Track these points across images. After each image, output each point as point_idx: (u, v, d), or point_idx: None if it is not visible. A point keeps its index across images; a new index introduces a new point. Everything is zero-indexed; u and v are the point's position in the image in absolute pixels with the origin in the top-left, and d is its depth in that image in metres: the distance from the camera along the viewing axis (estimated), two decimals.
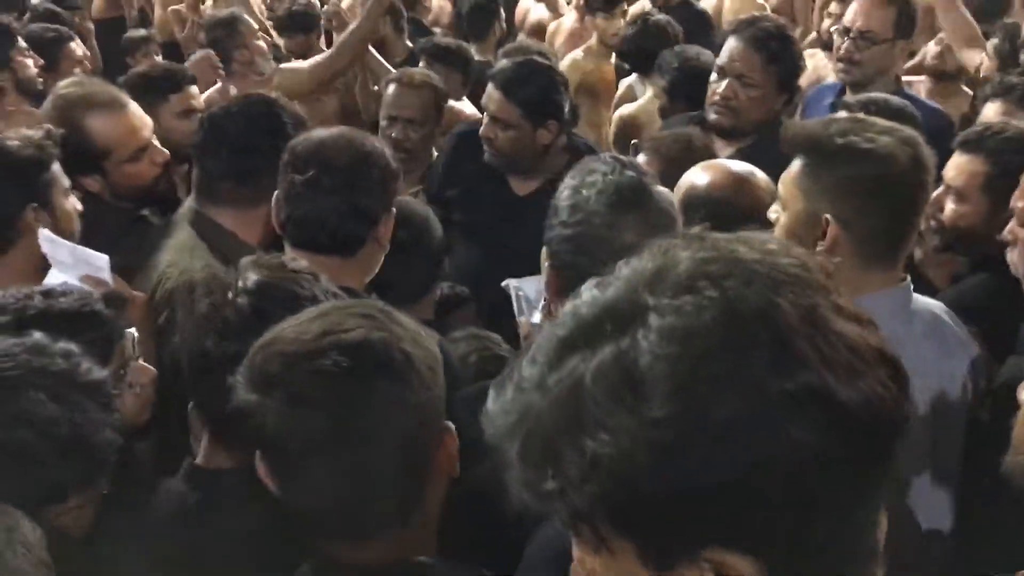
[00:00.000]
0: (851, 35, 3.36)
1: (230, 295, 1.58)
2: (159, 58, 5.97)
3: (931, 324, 1.90)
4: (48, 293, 1.71)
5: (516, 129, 3.00)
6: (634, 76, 4.93)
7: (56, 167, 2.33)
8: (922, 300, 1.97)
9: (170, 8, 7.51)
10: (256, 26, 3.96)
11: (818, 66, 5.14)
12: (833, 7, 5.32)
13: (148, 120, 2.70)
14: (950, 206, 2.49)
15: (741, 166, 2.25)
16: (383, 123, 3.57)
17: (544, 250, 1.82)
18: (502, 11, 5.81)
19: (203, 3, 6.95)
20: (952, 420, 1.89)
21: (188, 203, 2.40)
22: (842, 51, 3.39)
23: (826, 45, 4.56)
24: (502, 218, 2.98)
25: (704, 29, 5.11)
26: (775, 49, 2.98)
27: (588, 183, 1.76)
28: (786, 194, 1.88)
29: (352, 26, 4.15)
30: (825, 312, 0.74)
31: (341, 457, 1.26)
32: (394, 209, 2.12)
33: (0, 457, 1.33)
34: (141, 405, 1.87)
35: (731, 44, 3.03)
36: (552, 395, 0.73)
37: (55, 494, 1.39)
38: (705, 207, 2.11)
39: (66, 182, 2.36)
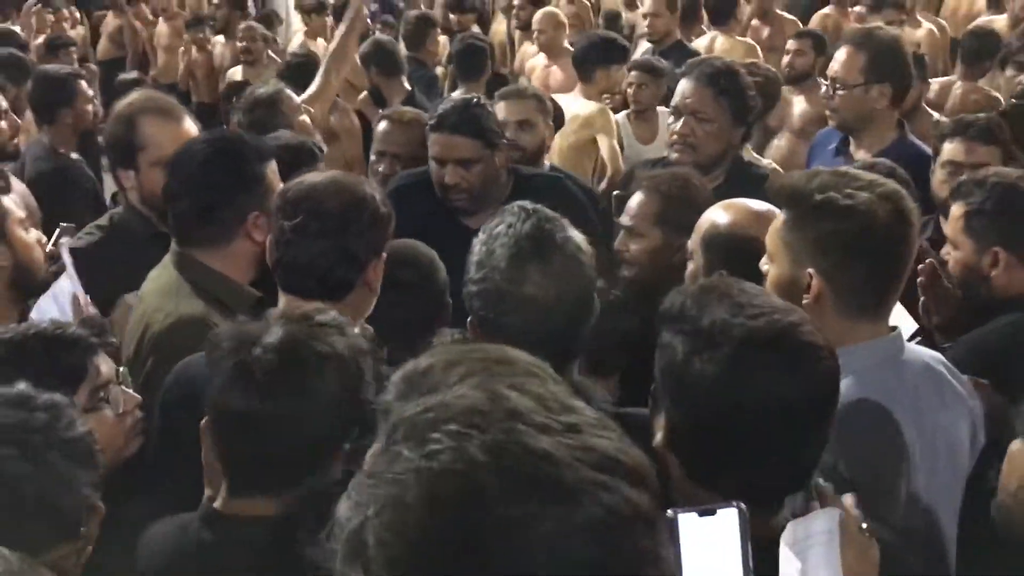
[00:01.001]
0: (828, 81, 3.55)
1: (256, 351, 1.58)
2: None
3: (923, 375, 1.88)
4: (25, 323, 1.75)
5: (482, 162, 3.04)
6: (622, 114, 5.02)
7: (7, 200, 2.37)
8: (916, 351, 1.96)
9: (184, 64, 7.59)
10: (297, 100, 3.85)
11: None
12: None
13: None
14: (951, 256, 2.54)
15: (761, 204, 2.26)
16: (373, 158, 3.65)
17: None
18: (494, 52, 5.88)
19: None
20: (949, 471, 1.86)
21: (172, 245, 2.41)
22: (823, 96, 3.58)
23: None
24: (459, 254, 2.92)
25: None
26: (724, 84, 3.13)
27: (494, 235, 1.79)
28: (772, 247, 1.89)
29: (333, 45, 4.32)
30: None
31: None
32: (385, 254, 2.12)
33: None
34: (126, 432, 1.88)
35: (682, 84, 3.19)
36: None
37: (29, 548, 1.37)
38: (727, 245, 2.13)
39: (21, 214, 2.40)
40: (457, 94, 5.58)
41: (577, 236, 1.84)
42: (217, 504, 1.62)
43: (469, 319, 1.86)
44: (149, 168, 2.68)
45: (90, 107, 4.51)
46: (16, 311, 2.36)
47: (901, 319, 2.56)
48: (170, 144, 2.64)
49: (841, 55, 3.51)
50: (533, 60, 6.62)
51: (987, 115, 3.27)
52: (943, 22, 7.51)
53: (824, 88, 3.60)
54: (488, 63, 5.72)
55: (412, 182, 3.15)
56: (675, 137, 3.14)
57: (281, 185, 2.31)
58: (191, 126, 2.79)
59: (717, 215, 2.25)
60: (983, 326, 2.47)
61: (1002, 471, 1.46)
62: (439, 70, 6.97)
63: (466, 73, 5.67)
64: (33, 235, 2.42)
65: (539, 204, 2.79)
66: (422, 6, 8.55)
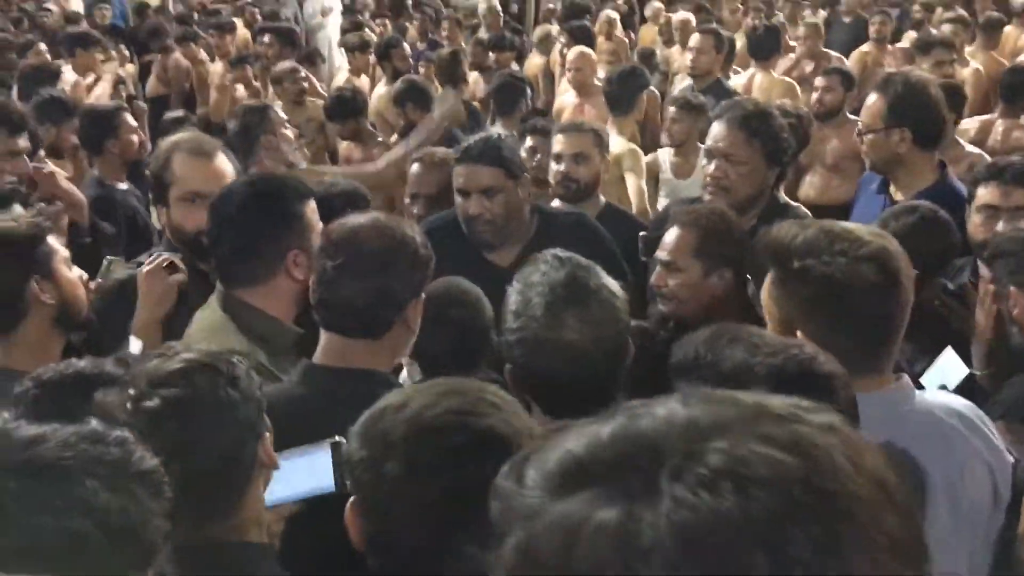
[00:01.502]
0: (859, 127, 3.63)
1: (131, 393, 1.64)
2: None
3: (927, 425, 1.84)
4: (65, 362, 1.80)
5: (504, 192, 3.07)
6: (664, 149, 5.11)
7: (52, 239, 2.44)
8: (927, 401, 1.92)
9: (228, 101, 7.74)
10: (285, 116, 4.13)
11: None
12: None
13: (222, 178, 2.76)
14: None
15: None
16: (407, 201, 3.75)
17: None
18: (529, 90, 5.97)
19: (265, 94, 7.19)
20: (950, 526, 1.80)
21: (217, 285, 2.48)
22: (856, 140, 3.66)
23: None
24: (490, 293, 2.89)
25: None
26: (756, 126, 3.13)
27: (529, 284, 1.85)
28: (764, 303, 1.90)
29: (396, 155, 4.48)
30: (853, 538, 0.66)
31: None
32: (423, 294, 2.17)
33: (56, 545, 1.35)
34: None
35: (715, 127, 3.21)
36: (545, 525, 0.69)
37: None
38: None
39: (65, 252, 2.47)
40: (495, 129, 5.71)
41: (610, 282, 1.90)
42: None
43: (508, 367, 1.91)
44: (176, 203, 2.76)
45: (135, 137, 4.64)
46: (59, 347, 2.40)
47: (952, 365, 2.57)
48: (197, 180, 2.74)
49: (868, 100, 3.59)
50: (564, 97, 6.73)
51: (1022, 157, 3.26)
52: (1003, 60, 7.45)
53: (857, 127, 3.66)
54: (524, 99, 5.82)
55: (439, 224, 3.19)
56: (708, 179, 3.17)
57: (322, 225, 2.38)
58: (223, 163, 2.83)
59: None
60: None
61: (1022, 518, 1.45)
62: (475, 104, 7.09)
63: (504, 108, 5.79)
64: (76, 272, 2.48)
65: (564, 241, 2.89)
66: (462, 43, 8.67)
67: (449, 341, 2.45)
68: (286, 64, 7.38)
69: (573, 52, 6.61)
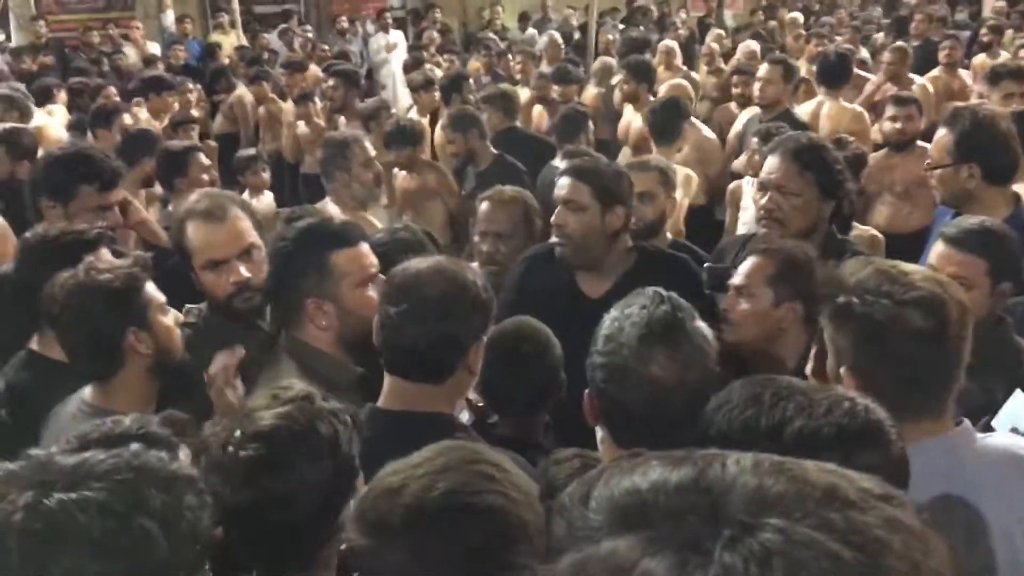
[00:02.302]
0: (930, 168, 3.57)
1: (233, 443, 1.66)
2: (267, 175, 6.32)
3: (984, 473, 1.79)
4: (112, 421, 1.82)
5: (586, 211, 3.09)
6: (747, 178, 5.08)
7: (149, 287, 2.47)
8: (988, 447, 1.86)
9: (290, 137, 7.87)
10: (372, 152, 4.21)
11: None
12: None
13: (240, 239, 2.73)
14: None
15: None
16: (476, 239, 3.81)
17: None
18: (591, 123, 6.00)
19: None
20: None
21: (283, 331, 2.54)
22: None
23: None
24: (577, 323, 2.96)
25: None
26: (808, 159, 3.14)
27: (625, 315, 1.87)
28: (825, 338, 1.90)
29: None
30: None
31: None
32: (485, 337, 2.19)
33: (121, 546, 1.36)
34: None
35: (769, 160, 3.22)
36: (600, 556, 0.69)
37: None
38: None
39: (162, 298, 2.50)
40: (557, 162, 5.73)
41: (704, 328, 1.92)
42: None
43: (587, 390, 1.92)
44: (200, 271, 2.73)
45: (205, 176, 4.79)
46: (155, 390, 2.45)
47: (1021, 406, 2.49)
48: (213, 248, 2.70)
49: (937, 134, 3.54)
50: (628, 117, 6.73)
51: None
52: None
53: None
54: (586, 131, 5.85)
55: (541, 252, 3.28)
56: (762, 212, 3.18)
57: (370, 269, 2.46)
58: (239, 221, 2.75)
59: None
60: None
61: None
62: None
63: (566, 139, 5.81)
64: (171, 318, 2.53)
65: (661, 280, 2.89)
66: (530, 80, 8.72)
67: (518, 380, 2.49)
68: (374, 101, 7.48)
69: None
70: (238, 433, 1.68)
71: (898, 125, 5.47)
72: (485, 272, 3.70)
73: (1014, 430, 2.41)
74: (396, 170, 5.92)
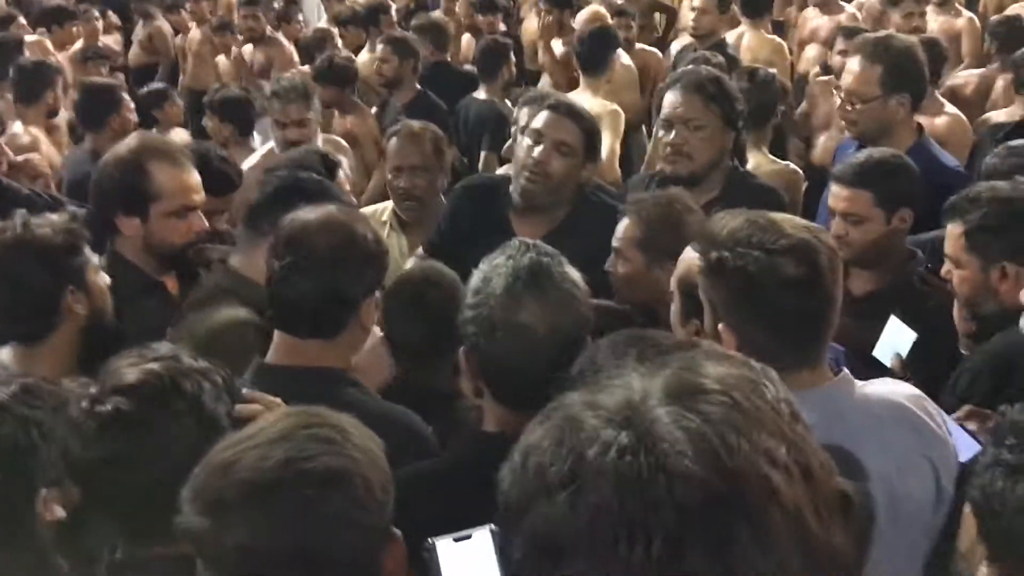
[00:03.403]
0: (842, 96, 3.47)
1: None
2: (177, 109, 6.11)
3: (863, 421, 1.79)
4: None
5: (574, 156, 3.01)
6: None
7: (86, 247, 2.39)
8: (866, 395, 1.85)
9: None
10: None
11: (830, 100, 5.16)
12: (839, 43, 5.37)
13: (200, 187, 2.75)
14: (954, 274, 2.51)
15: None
16: (390, 176, 3.74)
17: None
18: (512, 55, 5.87)
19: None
20: (891, 526, 1.75)
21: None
22: (841, 111, 3.51)
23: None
24: None
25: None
26: (712, 91, 3.14)
27: (494, 266, 1.85)
28: (700, 294, 1.87)
29: None
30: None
31: None
32: (377, 293, 2.13)
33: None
34: None
35: (669, 95, 3.20)
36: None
37: None
38: None
39: (95, 260, 2.43)
40: (479, 94, 5.63)
41: (574, 274, 1.89)
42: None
43: (462, 348, 1.89)
44: (162, 217, 2.67)
45: (132, 115, 4.72)
46: (82, 360, 2.34)
47: (899, 332, 2.53)
48: (184, 192, 2.69)
49: (855, 67, 3.44)
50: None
51: None
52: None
53: (839, 100, 3.54)
54: (507, 64, 5.73)
55: (482, 183, 3.23)
56: (669, 148, 3.15)
57: None
58: (193, 170, 2.76)
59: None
60: (989, 341, 2.44)
61: (959, 535, 1.41)
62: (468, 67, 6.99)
63: (486, 73, 5.74)
64: (103, 279, 2.44)
65: (594, 229, 2.86)
66: (457, 9, 8.51)
67: (423, 328, 2.44)
68: (318, 31, 7.23)
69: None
70: (95, 389, 1.62)
71: (837, 58, 5.30)
72: (403, 208, 3.67)
73: (897, 355, 2.45)
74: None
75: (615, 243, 2.71)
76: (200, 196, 2.75)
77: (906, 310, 2.62)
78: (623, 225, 2.71)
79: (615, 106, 5.08)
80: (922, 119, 3.65)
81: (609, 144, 4.78)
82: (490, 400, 1.88)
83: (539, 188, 3.01)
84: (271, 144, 4.51)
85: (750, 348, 1.72)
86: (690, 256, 2.10)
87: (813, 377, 1.80)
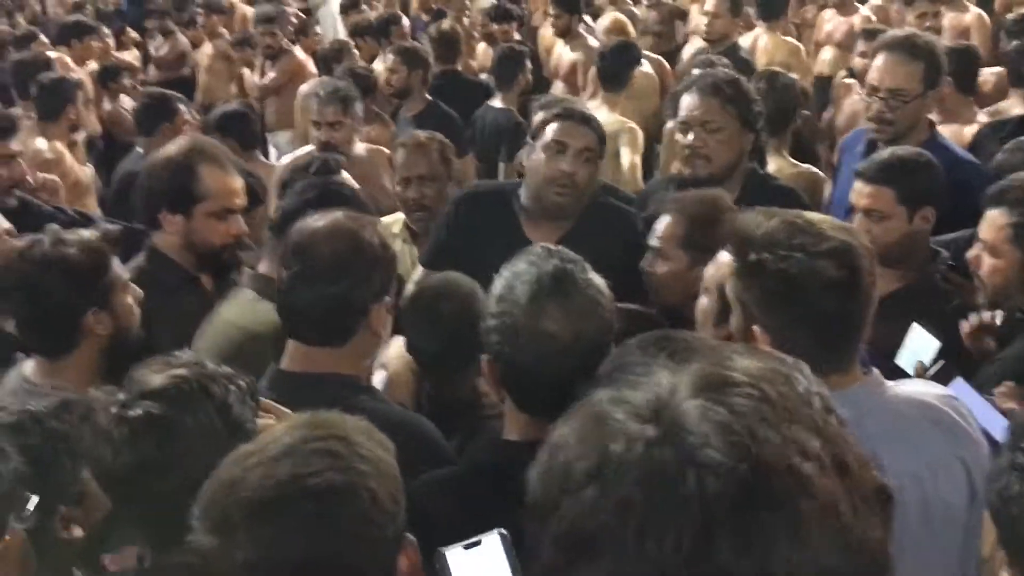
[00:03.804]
0: (880, 95, 3.34)
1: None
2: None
3: (893, 424, 1.75)
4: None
5: (594, 161, 3.01)
6: None
7: (115, 265, 2.38)
8: (897, 396, 1.83)
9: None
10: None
11: (854, 102, 5.09)
12: (860, 45, 5.29)
13: (243, 192, 2.85)
14: (986, 261, 2.47)
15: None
16: (399, 188, 3.76)
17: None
18: (528, 63, 5.85)
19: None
20: (941, 523, 1.74)
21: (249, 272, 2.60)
22: (873, 112, 3.39)
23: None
24: None
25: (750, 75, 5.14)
26: (729, 93, 3.13)
27: (516, 273, 1.81)
28: (729, 296, 1.84)
29: None
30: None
31: None
32: (388, 298, 2.10)
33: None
34: None
35: (686, 98, 3.18)
36: None
37: None
38: None
39: (125, 276, 2.42)
40: (495, 102, 5.62)
41: (598, 280, 1.86)
42: None
43: (484, 356, 1.86)
44: (206, 217, 2.75)
45: (187, 126, 4.71)
46: (102, 370, 2.32)
47: (922, 340, 2.49)
48: (228, 195, 2.79)
49: (893, 64, 3.34)
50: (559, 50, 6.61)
51: None
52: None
53: (869, 97, 3.41)
54: (523, 72, 5.71)
55: (490, 190, 3.20)
56: (687, 151, 3.14)
57: None
58: (238, 175, 2.88)
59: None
60: (1018, 342, 2.41)
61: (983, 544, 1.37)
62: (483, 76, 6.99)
63: (502, 81, 5.73)
64: (132, 296, 2.43)
65: (607, 230, 2.85)
66: (465, 20, 8.51)
67: (440, 340, 2.42)
68: (335, 43, 7.27)
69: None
70: (122, 396, 1.62)
71: (860, 61, 5.20)
72: (414, 219, 3.65)
73: (920, 363, 2.41)
74: None
75: (655, 242, 2.67)
76: (242, 200, 2.83)
77: (929, 311, 2.58)
78: (664, 224, 2.67)
79: (632, 124, 5.06)
80: (954, 127, 3.61)
81: (630, 160, 4.79)
82: (512, 408, 1.84)
83: (570, 200, 2.98)
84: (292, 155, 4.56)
85: (785, 350, 1.67)
86: (727, 257, 2.07)
87: (842, 380, 1.77)
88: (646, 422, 0.78)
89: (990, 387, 2.27)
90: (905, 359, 2.50)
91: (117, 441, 1.58)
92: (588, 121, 3.04)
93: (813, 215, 1.84)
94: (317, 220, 2.09)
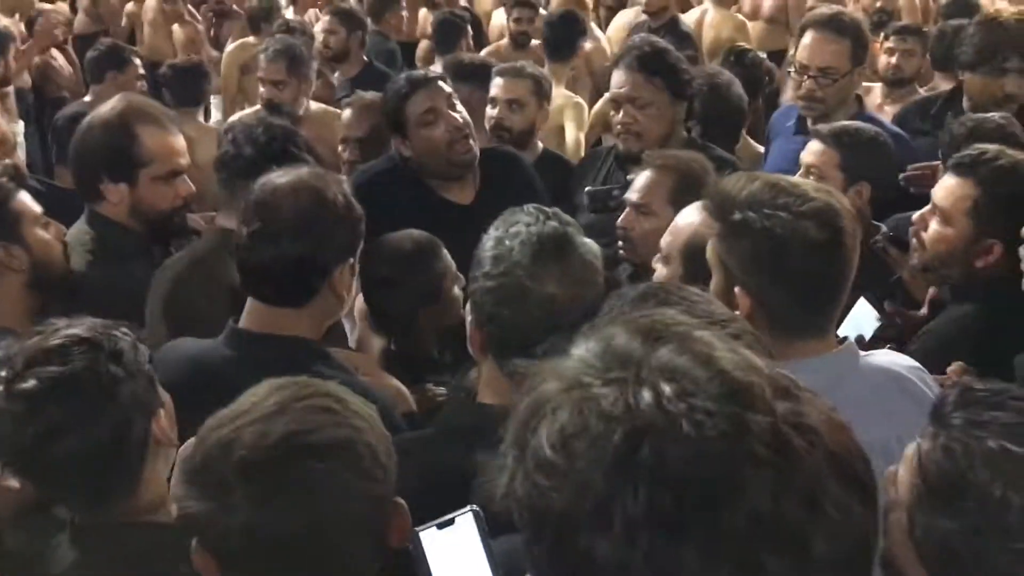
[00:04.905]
0: (811, 73, 3.37)
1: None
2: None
3: (867, 391, 1.78)
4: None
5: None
6: None
7: (20, 198, 2.31)
8: (871, 365, 1.86)
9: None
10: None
11: None
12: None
13: (186, 151, 2.70)
14: (934, 227, 2.45)
15: None
16: (340, 147, 3.68)
17: (468, 304, 1.82)
18: (470, 28, 5.79)
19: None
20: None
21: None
22: (804, 90, 3.41)
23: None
24: (454, 233, 2.61)
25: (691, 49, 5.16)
26: (654, 65, 3.14)
27: (511, 233, 1.77)
28: (710, 258, 1.85)
29: None
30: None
31: (314, 553, 1.28)
32: (352, 259, 2.05)
33: None
34: None
35: (615, 75, 3.22)
36: None
37: None
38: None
39: (37, 210, 2.34)
40: (434, 68, 5.55)
41: (591, 242, 1.85)
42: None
43: (471, 317, 1.81)
44: (151, 182, 2.60)
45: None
46: (35, 307, 2.29)
47: (865, 315, 2.55)
48: (172, 156, 2.64)
49: (820, 43, 3.38)
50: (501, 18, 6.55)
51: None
52: None
53: (798, 76, 3.42)
54: (465, 38, 5.66)
55: (383, 169, 3.09)
56: (619, 127, 3.16)
57: None
58: (179, 132, 2.72)
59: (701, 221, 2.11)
60: (939, 318, 2.47)
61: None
62: (423, 43, 6.89)
63: (443, 47, 5.65)
64: (52, 232, 2.36)
65: (512, 179, 2.92)
66: None
67: (388, 299, 2.44)
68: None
69: None
70: (6, 372, 1.56)
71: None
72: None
73: (859, 338, 2.47)
74: None
75: (636, 198, 2.64)
76: (186, 160, 2.68)
77: (868, 285, 2.63)
78: (646, 180, 2.64)
79: (578, 98, 5.00)
80: None
81: (574, 136, 4.75)
82: (494, 371, 1.79)
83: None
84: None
85: (766, 311, 1.72)
86: (692, 219, 2.07)
87: (820, 345, 1.80)
88: (606, 385, 0.79)
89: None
90: (846, 329, 2.56)
91: (16, 415, 1.53)
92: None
93: (794, 178, 1.87)
94: (280, 176, 2.03)
